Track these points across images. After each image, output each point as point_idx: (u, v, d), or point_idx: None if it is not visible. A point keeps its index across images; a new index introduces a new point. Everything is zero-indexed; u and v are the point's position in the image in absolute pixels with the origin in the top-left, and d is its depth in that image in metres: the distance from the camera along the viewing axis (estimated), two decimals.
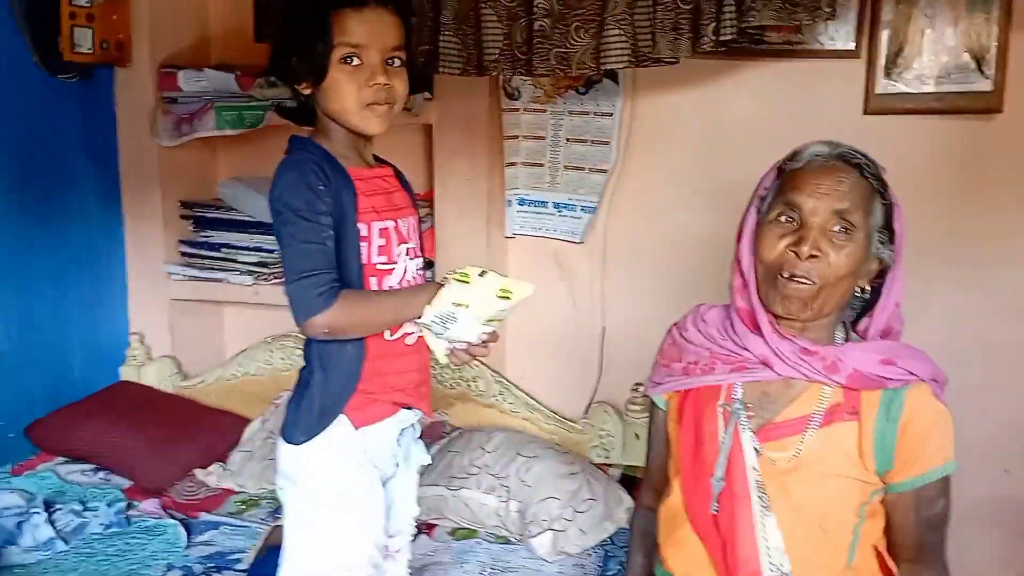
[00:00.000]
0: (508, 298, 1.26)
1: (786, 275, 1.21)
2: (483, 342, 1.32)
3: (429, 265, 2.33)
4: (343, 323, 1.28)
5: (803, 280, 1.21)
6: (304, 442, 1.35)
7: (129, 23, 2.44)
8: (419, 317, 1.30)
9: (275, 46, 1.40)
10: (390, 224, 1.37)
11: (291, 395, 1.40)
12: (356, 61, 1.31)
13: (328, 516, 1.37)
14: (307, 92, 1.35)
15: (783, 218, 1.24)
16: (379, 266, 1.35)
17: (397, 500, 1.49)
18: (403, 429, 1.44)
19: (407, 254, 1.39)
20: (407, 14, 1.39)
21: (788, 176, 1.26)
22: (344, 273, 1.31)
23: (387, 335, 1.36)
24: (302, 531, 1.39)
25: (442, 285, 1.28)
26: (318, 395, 1.35)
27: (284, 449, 1.38)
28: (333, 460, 1.36)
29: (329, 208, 1.29)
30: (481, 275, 1.26)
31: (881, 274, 1.27)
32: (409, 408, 1.43)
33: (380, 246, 1.35)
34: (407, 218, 1.42)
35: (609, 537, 1.97)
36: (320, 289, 1.26)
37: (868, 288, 1.27)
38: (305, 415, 1.36)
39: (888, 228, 1.25)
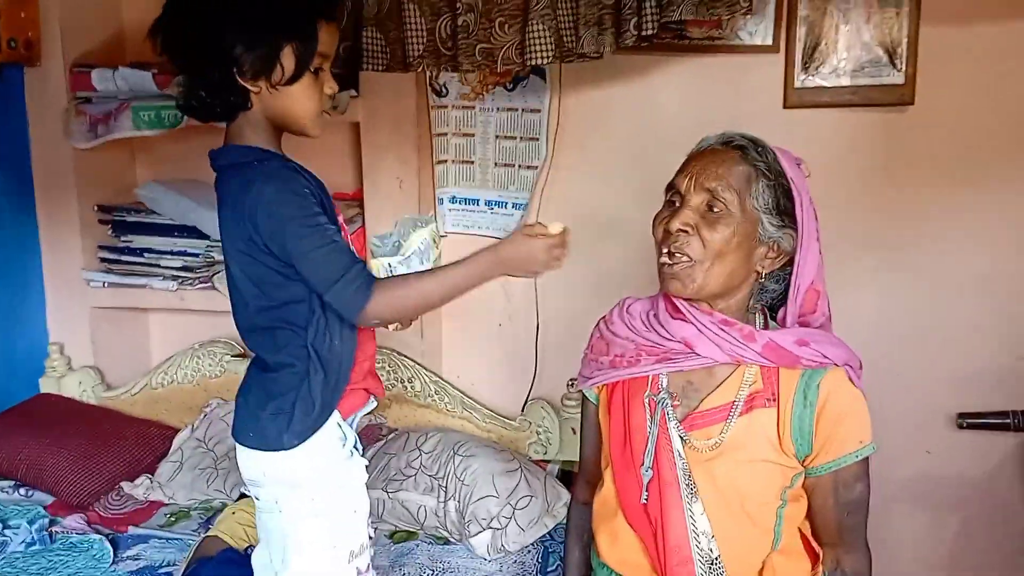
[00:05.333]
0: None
1: (665, 251, 1.27)
2: None
3: None
4: (390, 310, 1.28)
5: (677, 255, 1.25)
6: (298, 445, 1.33)
7: (38, 20, 2.34)
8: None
9: (233, 39, 1.27)
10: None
11: (264, 403, 1.34)
12: (320, 70, 1.32)
13: (336, 508, 1.38)
14: (255, 91, 1.29)
15: (668, 200, 1.31)
16: None
17: None
18: None
19: None
20: None
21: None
22: None
23: None
24: (312, 531, 1.37)
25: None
26: (319, 394, 1.33)
27: (271, 458, 1.34)
28: (330, 455, 1.36)
29: (319, 208, 1.29)
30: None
31: (791, 262, 1.30)
32: (372, 394, 1.45)
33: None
34: None
35: (548, 533, 1.97)
36: (354, 286, 1.25)
37: (764, 273, 1.29)
38: (302, 417, 1.33)
39: (786, 213, 1.27)
